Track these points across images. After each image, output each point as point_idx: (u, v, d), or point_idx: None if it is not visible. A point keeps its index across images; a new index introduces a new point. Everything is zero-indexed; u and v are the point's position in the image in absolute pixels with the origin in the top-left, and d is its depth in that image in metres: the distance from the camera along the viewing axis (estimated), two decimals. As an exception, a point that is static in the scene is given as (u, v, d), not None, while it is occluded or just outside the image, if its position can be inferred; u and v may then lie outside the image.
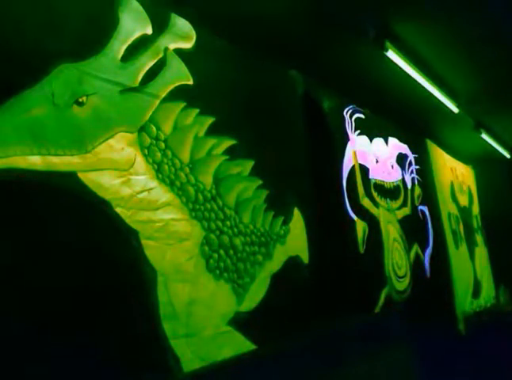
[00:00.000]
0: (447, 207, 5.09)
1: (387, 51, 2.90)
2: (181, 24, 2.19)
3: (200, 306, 2.00)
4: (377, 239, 3.56)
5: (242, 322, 2.17)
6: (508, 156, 6.03)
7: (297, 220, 2.71)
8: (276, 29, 2.69)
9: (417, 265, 4.13)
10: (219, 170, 2.24)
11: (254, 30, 2.61)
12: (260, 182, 2.47)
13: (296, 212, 2.72)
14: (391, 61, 3.08)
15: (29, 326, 1.42)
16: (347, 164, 3.40)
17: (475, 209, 6.21)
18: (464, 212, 5.71)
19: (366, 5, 2.60)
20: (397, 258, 3.78)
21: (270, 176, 2.53)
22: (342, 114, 3.50)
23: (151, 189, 1.90)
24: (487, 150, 5.70)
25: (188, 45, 2.21)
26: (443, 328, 4.25)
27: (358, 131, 3.63)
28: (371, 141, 3.84)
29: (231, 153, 2.32)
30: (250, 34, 2.59)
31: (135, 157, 1.86)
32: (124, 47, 1.89)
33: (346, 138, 3.48)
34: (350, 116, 3.57)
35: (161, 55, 2.06)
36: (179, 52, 2.15)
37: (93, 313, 1.60)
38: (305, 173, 2.91)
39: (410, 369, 3.33)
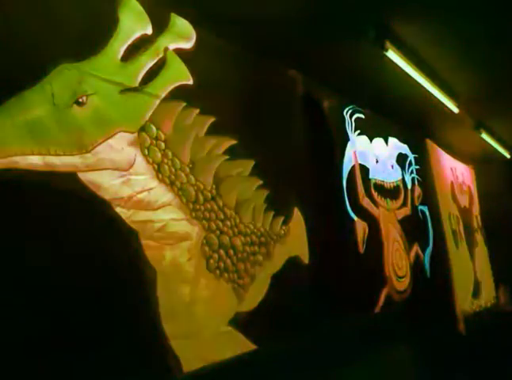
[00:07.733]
0: (447, 207, 5.08)
1: (387, 51, 2.90)
2: (181, 24, 2.19)
3: (200, 306, 2.00)
4: (377, 239, 3.55)
5: (242, 322, 2.17)
6: (508, 156, 6.01)
7: (297, 220, 2.71)
8: (276, 29, 2.68)
9: (417, 265, 4.13)
10: (219, 170, 2.24)
11: (254, 30, 2.60)
12: (260, 182, 2.47)
13: (296, 212, 2.71)
14: (391, 61, 3.08)
15: (28, 326, 1.42)
16: (347, 164, 3.39)
17: (475, 209, 6.20)
18: (464, 212, 5.70)
19: (366, 5, 2.60)
20: (397, 258, 3.78)
21: (270, 176, 2.52)
22: (342, 114, 3.49)
23: (151, 189, 1.90)
24: (487, 150, 5.69)
25: (188, 45, 2.21)
26: (443, 328, 4.25)
27: (358, 131, 3.62)
28: (371, 141, 3.83)
29: (231, 153, 2.32)
30: (250, 34, 2.58)
31: (135, 157, 1.86)
32: (124, 47, 1.89)
33: (346, 138, 3.47)
34: (350, 116, 3.56)
35: (161, 55, 2.05)
36: (179, 52, 2.15)
37: (93, 314, 1.59)
38: (305, 173, 2.91)
39: (411, 369, 3.34)
